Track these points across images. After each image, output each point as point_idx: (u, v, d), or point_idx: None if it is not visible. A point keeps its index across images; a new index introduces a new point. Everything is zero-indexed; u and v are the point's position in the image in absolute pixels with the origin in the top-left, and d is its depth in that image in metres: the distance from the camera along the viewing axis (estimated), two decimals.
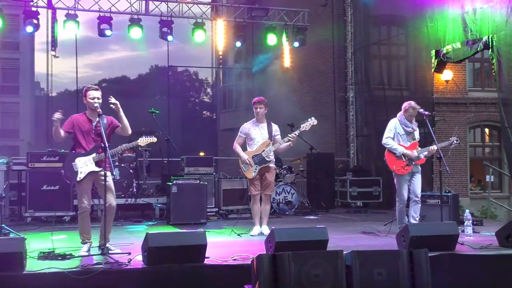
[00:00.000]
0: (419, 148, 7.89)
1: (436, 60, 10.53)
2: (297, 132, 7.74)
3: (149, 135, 6.59)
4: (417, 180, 7.90)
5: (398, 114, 7.97)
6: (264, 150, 7.76)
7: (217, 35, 12.99)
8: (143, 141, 6.49)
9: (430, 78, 11.93)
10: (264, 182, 7.86)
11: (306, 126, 7.77)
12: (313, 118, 7.81)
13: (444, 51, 10.34)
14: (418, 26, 11.61)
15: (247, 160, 7.76)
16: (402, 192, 7.82)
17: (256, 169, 7.76)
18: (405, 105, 7.92)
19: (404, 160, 7.76)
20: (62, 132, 6.13)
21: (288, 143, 7.74)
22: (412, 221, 7.71)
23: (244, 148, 7.97)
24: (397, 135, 7.88)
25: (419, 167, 7.99)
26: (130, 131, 6.31)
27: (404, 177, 7.83)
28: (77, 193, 6.30)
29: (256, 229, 7.86)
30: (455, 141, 8.01)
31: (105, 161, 6.03)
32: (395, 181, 7.96)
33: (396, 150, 7.76)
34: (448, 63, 10.77)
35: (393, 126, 7.91)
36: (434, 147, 7.81)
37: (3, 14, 10.96)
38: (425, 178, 10.64)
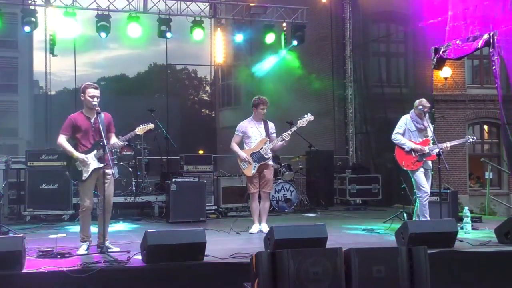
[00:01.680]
0: (431, 145, 7.74)
1: (436, 57, 10.51)
2: (293, 129, 7.78)
3: (145, 123, 6.48)
4: (428, 180, 7.79)
5: (410, 111, 7.92)
6: (262, 148, 7.77)
7: (216, 33, 12.99)
8: (140, 129, 6.42)
9: (429, 75, 11.92)
10: (263, 179, 7.87)
11: (302, 122, 7.80)
12: (309, 114, 7.82)
13: (444, 48, 10.31)
14: (417, 22, 11.59)
15: (246, 158, 7.77)
16: (422, 184, 7.62)
17: (255, 166, 7.77)
18: (416, 102, 7.87)
19: (414, 155, 7.69)
20: (67, 142, 6.15)
21: (282, 142, 7.77)
22: (422, 218, 7.65)
23: (241, 147, 7.97)
24: (408, 131, 7.84)
25: (430, 165, 7.88)
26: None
27: (418, 171, 7.68)
28: (80, 191, 6.27)
29: (255, 227, 7.87)
30: (470, 139, 7.93)
31: (104, 159, 6.02)
32: (411, 178, 7.82)
33: (405, 145, 7.72)
34: (447, 60, 10.75)
35: (404, 122, 7.88)
36: (447, 145, 7.71)
37: (1, 13, 10.94)
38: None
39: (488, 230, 7.40)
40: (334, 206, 12.46)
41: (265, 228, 7.67)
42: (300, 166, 12.46)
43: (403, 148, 7.74)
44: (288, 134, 7.72)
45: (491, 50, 9.19)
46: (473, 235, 7.26)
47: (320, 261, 4.47)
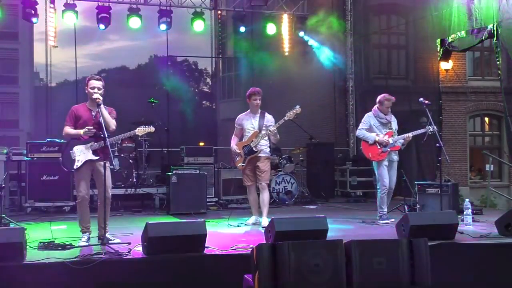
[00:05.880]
0: (395, 136, 8.11)
1: (442, 49, 10.48)
2: (280, 122, 7.76)
3: (147, 125, 6.59)
4: (393, 172, 8.16)
5: (373, 108, 8.31)
6: (252, 141, 7.75)
7: (217, 24, 12.94)
8: (141, 130, 6.48)
9: (436, 67, 11.82)
10: (257, 171, 7.81)
11: (289, 115, 7.77)
12: (297, 106, 7.81)
13: (449, 40, 10.28)
14: (421, 14, 11.52)
15: (236, 151, 7.81)
16: (383, 178, 8.02)
17: (245, 159, 7.78)
18: (380, 98, 8.23)
19: (378, 147, 8.04)
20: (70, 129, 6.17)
21: (271, 135, 7.73)
22: (379, 209, 8.05)
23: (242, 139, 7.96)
24: (372, 127, 8.19)
25: (396, 156, 8.17)
26: (112, 127, 6.21)
27: (382, 163, 8.04)
28: (75, 181, 6.31)
29: (252, 219, 7.87)
30: (431, 129, 8.06)
31: (103, 151, 6.03)
32: (375, 169, 8.18)
33: (368, 138, 8.11)
34: (453, 51, 10.73)
35: (367, 120, 8.28)
36: (409, 135, 8.06)
37: (1, 4, 10.91)
38: (429, 167, 10.68)
39: (489, 222, 7.40)
40: (334, 198, 12.45)
41: (265, 222, 7.40)
42: (301, 158, 12.45)
43: (367, 141, 8.08)
44: (275, 127, 7.70)
45: (495, 41, 9.17)
46: (473, 227, 7.26)
47: (320, 253, 4.47)
